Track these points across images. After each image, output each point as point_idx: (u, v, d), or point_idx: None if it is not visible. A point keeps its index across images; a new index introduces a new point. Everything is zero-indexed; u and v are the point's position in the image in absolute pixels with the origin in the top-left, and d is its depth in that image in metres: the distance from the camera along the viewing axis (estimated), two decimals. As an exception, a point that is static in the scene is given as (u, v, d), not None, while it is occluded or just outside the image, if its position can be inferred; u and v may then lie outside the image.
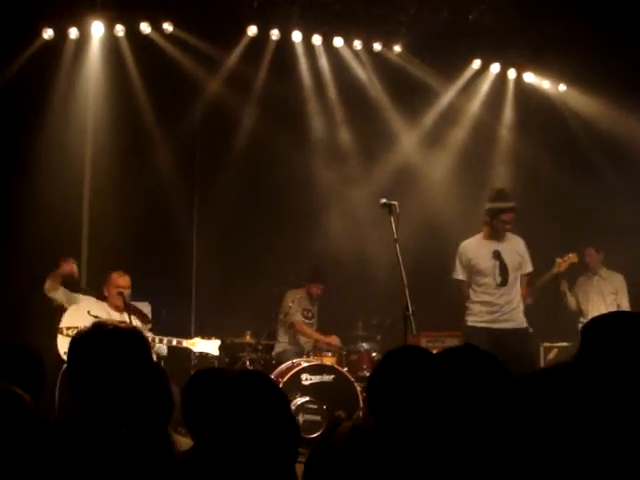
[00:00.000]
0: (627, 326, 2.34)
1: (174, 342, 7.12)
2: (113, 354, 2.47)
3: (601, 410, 1.86)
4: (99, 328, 2.52)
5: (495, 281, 6.94)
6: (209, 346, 7.17)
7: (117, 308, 7.09)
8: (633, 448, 1.86)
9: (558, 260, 7.68)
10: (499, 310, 6.92)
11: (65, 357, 6.47)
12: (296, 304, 8.33)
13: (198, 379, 3.31)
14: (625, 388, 2.05)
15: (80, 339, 2.52)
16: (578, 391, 1.90)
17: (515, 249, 7.04)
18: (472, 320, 7.00)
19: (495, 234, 7.01)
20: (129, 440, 2.46)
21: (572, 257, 7.88)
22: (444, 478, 2.27)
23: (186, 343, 7.14)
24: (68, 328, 6.69)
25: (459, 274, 7.10)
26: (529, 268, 7.11)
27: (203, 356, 7.30)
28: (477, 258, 7.01)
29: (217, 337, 7.37)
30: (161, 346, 7.03)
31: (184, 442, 3.05)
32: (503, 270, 6.95)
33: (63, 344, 6.61)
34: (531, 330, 7.17)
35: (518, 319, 6.94)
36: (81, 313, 6.80)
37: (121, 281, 7.17)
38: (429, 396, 2.36)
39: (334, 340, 8.31)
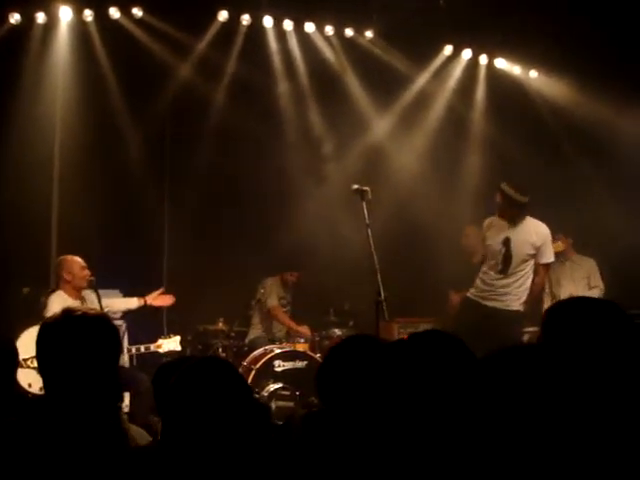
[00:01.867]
0: (585, 310, 2.42)
1: (142, 349, 7.26)
2: (82, 340, 2.46)
3: (562, 389, 1.91)
4: (68, 314, 2.50)
5: (497, 267, 7.02)
6: (172, 344, 7.35)
7: (77, 294, 6.93)
8: (590, 427, 1.89)
9: None
10: (493, 291, 7.04)
11: (30, 389, 6.39)
12: (269, 290, 8.33)
13: (166, 368, 3.32)
14: (583, 370, 2.10)
15: (49, 325, 2.51)
16: (540, 371, 1.94)
17: (528, 239, 6.96)
18: (470, 292, 7.21)
19: (509, 219, 7.01)
20: (84, 424, 2.44)
21: (557, 246, 7.93)
22: (394, 464, 2.28)
23: (153, 347, 7.29)
24: (26, 360, 6.41)
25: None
26: (544, 259, 7.03)
27: (171, 353, 7.30)
28: (491, 239, 7.10)
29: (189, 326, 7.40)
30: (122, 356, 6.96)
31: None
32: (507, 259, 6.98)
33: (25, 377, 6.33)
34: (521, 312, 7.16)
35: (507, 301, 6.97)
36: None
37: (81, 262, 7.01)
38: (375, 383, 2.38)
39: (306, 330, 8.31)
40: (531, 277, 7.03)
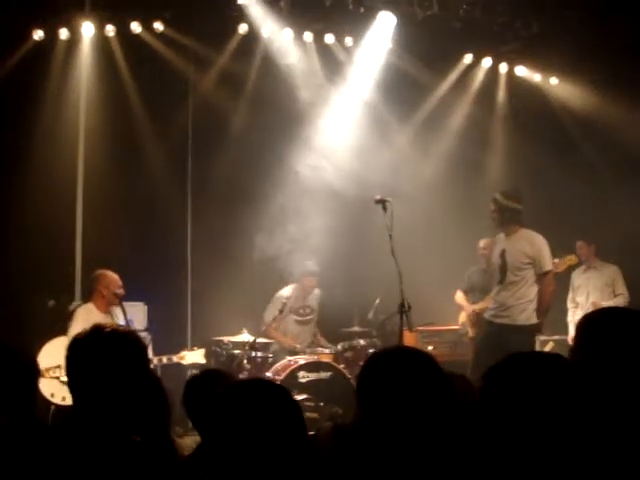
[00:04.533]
0: (620, 323, 2.37)
1: (164, 360, 7.24)
2: (111, 357, 2.48)
3: (595, 404, 1.89)
4: (98, 331, 2.52)
5: (497, 278, 7.17)
6: (196, 356, 7.37)
7: (106, 309, 6.98)
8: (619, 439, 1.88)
9: (555, 260, 7.70)
10: (498, 307, 7.13)
11: (52, 399, 6.51)
12: (279, 307, 8.26)
13: (197, 382, 3.35)
14: (619, 384, 2.08)
15: (79, 341, 2.53)
16: (572, 386, 1.93)
17: (521, 249, 7.04)
18: (486, 312, 7.39)
19: (504, 229, 7.17)
20: (131, 444, 2.46)
21: (571, 259, 7.96)
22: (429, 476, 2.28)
23: (176, 358, 7.29)
24: (48, 369, 6.51)
25: None
26: (542, 268, 7.03)
27: (195, 366, 7.33)
28: (493, 256, 7.34)
29: (213, 337, 7.57)
30: None
31: (184, 444, 3.07)
32: (502, 269, 7.09)
33: (48, 387, 6.49)
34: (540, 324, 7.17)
35: (514, 315, 7.01)
36: (59, 348, 6.57)
37: (119, 281, 7.08)
38: (417, 396, 2.37)
39: (297, 345, 8.31)
40: (533, 289, 7.04)
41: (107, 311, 6.96)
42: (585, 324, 2.44)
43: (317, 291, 8.62)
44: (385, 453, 2.35)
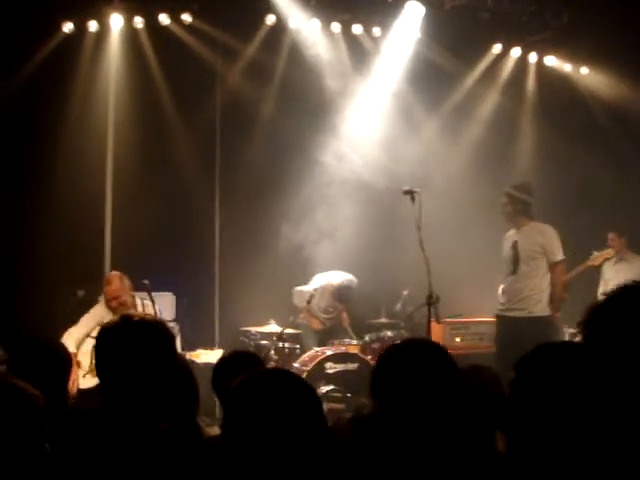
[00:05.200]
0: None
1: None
2: (139, 345, 2.49)
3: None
4: (126, 320, 2.54)
5: (509, 269, 7.24)
6: (211, 356, 7.19)
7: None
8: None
9: (595, 253, 7.70)
10: (510, 299, 7.21)
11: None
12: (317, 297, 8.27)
13: (228, 360, 3.38)
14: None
15: (107, 331, 2.55)
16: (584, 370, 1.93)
17: (533, 239, 7.15)
18: (497, 308, 7.44)
19: (514, 223, 7.29)
20: (159, 431, 2.48)
21: (608, 252, 7.92)
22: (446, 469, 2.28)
23: (189, 355, 7.13)
24: None
25: None
26: (554, 257, 7.11)
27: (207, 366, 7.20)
28: (504, 250, 7.38)
29: (240, 328, 7.55)
30: None
31: (211, 433, 3.09)
32: (515, 259, 7.19)
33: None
34: (553, 316, 7.15)
35: (530, 307, 7.06)
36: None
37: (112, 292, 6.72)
38: (431, 388, 2.37)
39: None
40: (546, 279, 7.11)
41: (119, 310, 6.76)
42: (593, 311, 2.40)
43: None
44: (397, 444, 2.36)
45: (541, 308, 7.06)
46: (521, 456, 2.04)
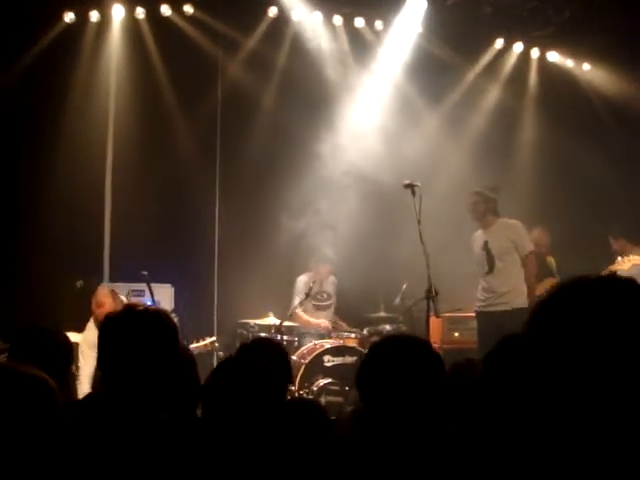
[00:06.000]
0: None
1: None
2: (142, 335, 2.50)
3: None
4: (130, 310, 2.56)
5: (484, 269, 7.42)
6: (208, 345, 7.05)
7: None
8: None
9: (620, 259, 7.54)
10: (492, 295, 7.38)
11: None
12: (304, 290, 8.29)
13: (249, 347, 3.44)
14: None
15: (111, 320, 2.56)
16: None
17: (502, 234, 7.37)
18: (477, 305, 7.61)
19: (483, 222, 7.54)
20: (158, 421, 2.48)
21: (635, 259, 7.78)
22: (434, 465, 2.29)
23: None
24: None
25: None
26: (525, 250, 7.36)
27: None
28: (474, 251, 7.59)
29: (239, 320, 7.56)
30: None
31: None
32: (489, 258, 7.39)
33: None
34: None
35: (510, 301, 7.22)
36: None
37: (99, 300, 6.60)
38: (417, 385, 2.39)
39: (323, 325, 8.31)
40: (522, 272, 7.36)
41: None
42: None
43: (332, 278, 8.62)
44: (385, 439, 2.37)
45: (522, 301, 7.22)
46: (490, 445, 2.07)
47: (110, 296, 6.58)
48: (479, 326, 7.60)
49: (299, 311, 8.27)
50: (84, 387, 6.13)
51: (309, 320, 8.35)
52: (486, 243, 7.42)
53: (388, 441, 2.34)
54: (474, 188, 7.58)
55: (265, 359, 2.57)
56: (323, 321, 8.32)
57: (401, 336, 2.83)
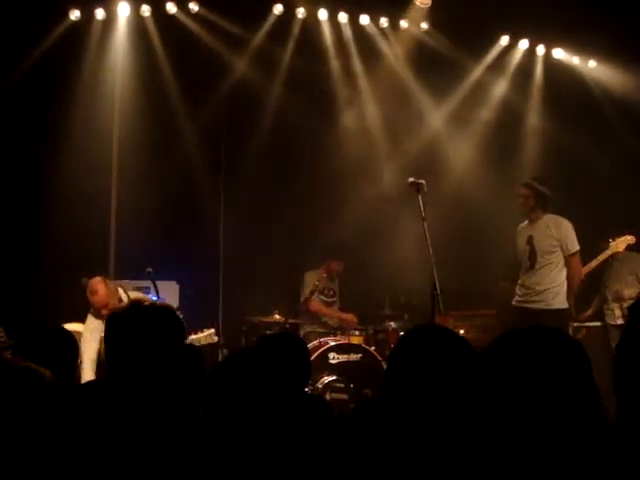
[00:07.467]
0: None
1: None
2: (148, 330, 2.51)
3: None
4: (136, 305, 2.56)
5: (526, 265, 7.23)
6: (207, 337, 6.94)
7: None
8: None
9: (612, 242, 7.58)
10: (529, 292, 7.19)
11: None
12: (304, 283, 8.33)
13: (270, 339, 3.45)
14: None
15: (117, 316, 2.56)
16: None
17: (548, 232, 7.15)
18: (514, 300, 7.37)
19: (530, 216, 7.30)
20: (162, 416, 2.48)
21: (629, 238, 7.77)
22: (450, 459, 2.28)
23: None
24: None
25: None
26: (570, 250, 7.12)
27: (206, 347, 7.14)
28: (518, 244, 7.36)
29: (244, 317, 7.70)
30: None
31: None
32: (532, 255, 7.19)
33: None
34: (570, 308, 7.19)
35: (548, 300, 7.07)
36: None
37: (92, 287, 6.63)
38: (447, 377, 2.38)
39: (350, 318, 8.32)
40: (563, 272, 7.13)
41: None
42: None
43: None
44: (408, 429, 2.35)
45: (559, 301, 7.08)
46: (490, 444, 2.06)
47: (102, 282, 6.62)
48: (513, 320, 7.32)
49: (316, 298, 8.28)
50: (87, 370, 6.27)
51: (337, 313, 8.39)
52: (530, 238, 7.21)
53: (413, 432, 2.32)
54: (526, 180, 7.33)
55: (285, 354, 2.55)
56: (351, 315, 8.35)
57: (439, 327, 2.79)
